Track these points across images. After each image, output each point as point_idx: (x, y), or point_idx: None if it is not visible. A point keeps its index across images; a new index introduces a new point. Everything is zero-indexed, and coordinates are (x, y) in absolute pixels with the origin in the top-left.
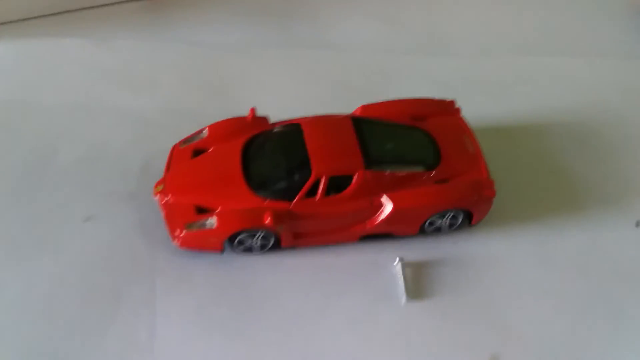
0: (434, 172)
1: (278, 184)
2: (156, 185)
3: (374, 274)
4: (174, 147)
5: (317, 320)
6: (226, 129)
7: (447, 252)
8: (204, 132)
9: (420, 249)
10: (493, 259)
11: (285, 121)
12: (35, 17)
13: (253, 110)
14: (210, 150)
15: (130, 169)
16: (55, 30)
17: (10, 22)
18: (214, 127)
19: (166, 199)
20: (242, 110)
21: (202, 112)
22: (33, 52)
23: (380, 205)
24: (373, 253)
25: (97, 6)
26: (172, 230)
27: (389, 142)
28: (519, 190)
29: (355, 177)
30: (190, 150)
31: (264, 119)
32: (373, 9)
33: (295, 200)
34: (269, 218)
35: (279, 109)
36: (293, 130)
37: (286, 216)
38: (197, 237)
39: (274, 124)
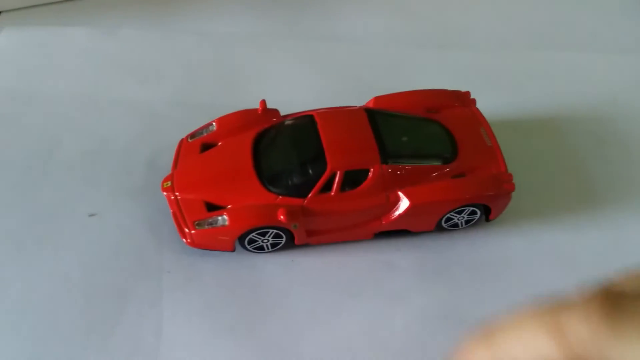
0: (451, 166)
1: (291, 179)
2: (164, 182)
3: (389, 274)
4: (182, 142)
5: (330, 322)
6: (236, 122)
7: (465, 253)
8: (212, 125)
9: (436, 250)
10: (510, 260)
11: (297, 113)
12: (39, 5)
13: (263, 102)
14: (219, 144)
15: (136, 162)
16: (59, 18)
17: (13, 9)
18: (222, 120)
19: (175, 195)
20: (252, 103)
21: (211, 104)
22: (37, 41)
23: (396, 201)
24: (387, 252)
25: None
26: (181, 228)
27: (405, 135)
28: (534, 187)
29: (371, 172)
30: (199, 145)
31: (275, 111)
32: (385, 2)
33: (310, 196)
34: (283, 215)
35: (289, 101)
36: (306, 123)
37: (300, 213)
38: (207, 236)
39: (286, 117)
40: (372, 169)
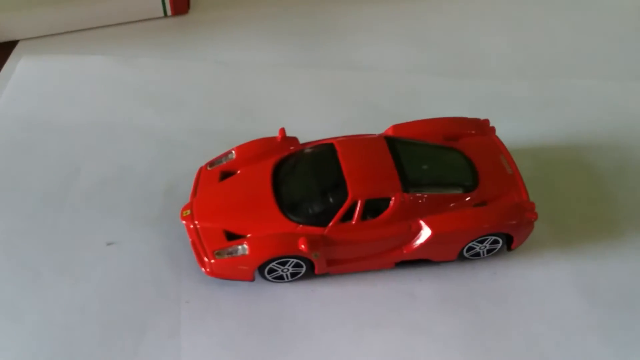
0: (472, 195)
1: (312, 208)
2: (183, 210)
3: (410, 304)
4: (201, 170)
5: (351, 354)
6: (255, 150)
7: (487, 283)
8: (231, 153)
9: (458, 280)
10: (533, 290)
11: (316, 141)
12: (57, 34)
13: (283, 130)
14: (238, 172)
15: (154, 191)
16: (77, 47)
17: (31, 38)
18: (242, 149)
19: (194, 224)
20: (270, 131)
21: (228, 132)
22: (55, 70)
23: (418, 230)
24: (409, 282)
25: (121, 23)
26: (200, 258)
27: (426, 163)
28: (555, 215)
29: (392, 201)
30: (218, 173)
31: (294, 139)
32: (401, 30)
33: (331, 225)
34: (304, 244)
35: (306, 129)
36: (326, 151)
37: (321, 242)
38: (227, 265)
39: (305, 145)
40: (393, 198)
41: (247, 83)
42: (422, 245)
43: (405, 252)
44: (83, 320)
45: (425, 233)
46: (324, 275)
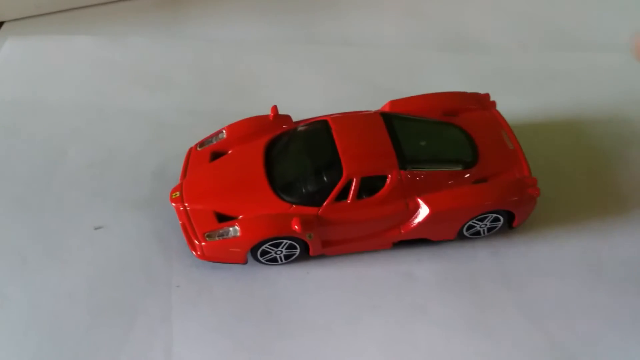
0: (472, 171)
1: (305, 188)
2: (172, 192)
3: (409, 285)
4: (190, 150)
5: (348, 337)
6: (246, 129)
7: (488, 263)
8: (222, 133)
9: (458, 259)
10: (536, 269)
11: (310, 119)
12: (43, 15)
13: (275, 108)
14: (229, 152)
15: (144, 173)
16: (64, 27)
17: (18, 19)
18: (232, 128)
19: (184, 206)
20: (263, 109)
21: (220, 112)
22: (42, 50)
23: (415, 208)
24: (407, 262)
25: (109, 2)
26: (191, 241)
27: (423, 139)
28: (559, 192)
29: (389, 178)
30: (208, 153)
31: (287, 117)
32: (398, 3)
33: (325, 204)
34: (297, 224)
35: (300, 107)
36: (320, 128)
37: (315, 222)
38: (218, 248)
39: (298, 123)
40: (389, 175)
41: (239, 61)
42: (420, 224)
43: (403, 231)
44: (71, 306)
45: (424, 211)
46: (319, 257)
